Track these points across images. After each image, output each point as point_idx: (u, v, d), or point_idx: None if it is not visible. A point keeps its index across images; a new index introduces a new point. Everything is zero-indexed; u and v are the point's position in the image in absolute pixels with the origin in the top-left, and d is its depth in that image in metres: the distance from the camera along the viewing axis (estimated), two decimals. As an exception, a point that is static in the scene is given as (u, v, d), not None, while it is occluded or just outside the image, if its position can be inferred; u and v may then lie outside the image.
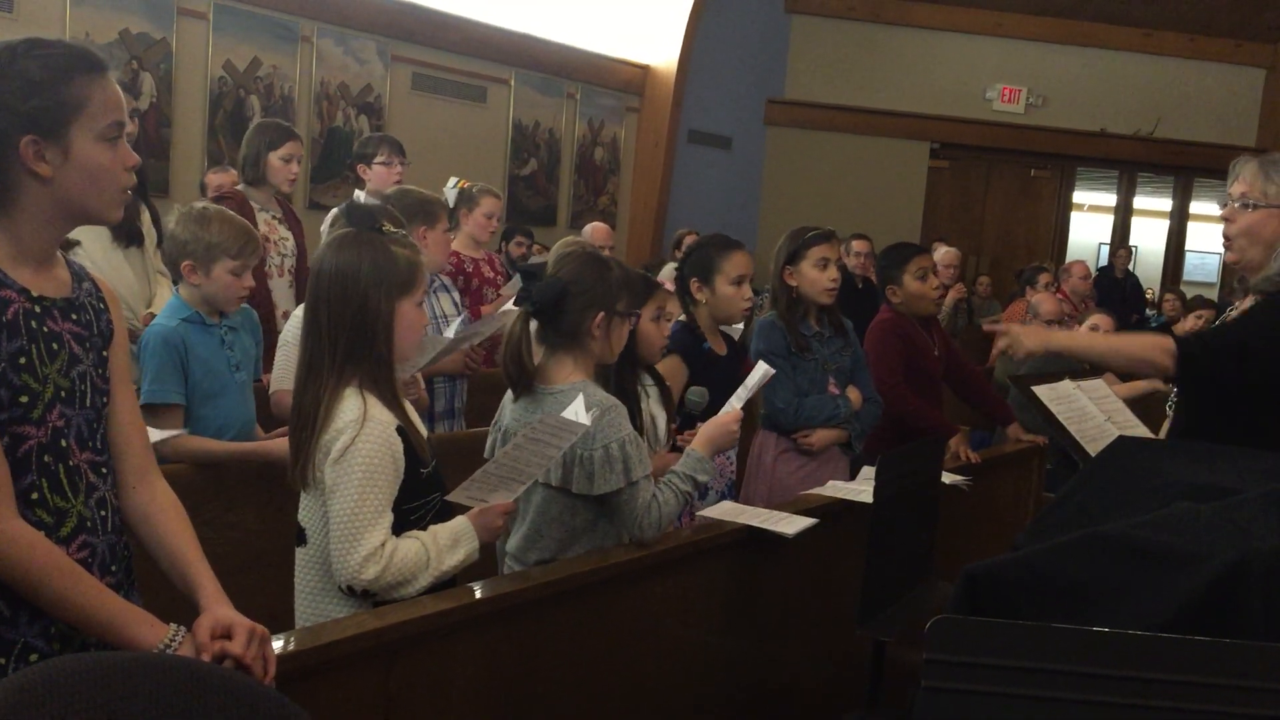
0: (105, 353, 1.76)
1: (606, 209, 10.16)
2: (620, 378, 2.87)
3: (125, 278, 3.77)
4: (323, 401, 2.12)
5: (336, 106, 7.76)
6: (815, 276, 3.59)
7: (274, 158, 4.28)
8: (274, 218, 4.30)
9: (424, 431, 2.30)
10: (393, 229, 2.26)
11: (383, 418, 2.13)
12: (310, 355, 2.18)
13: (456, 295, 4.19)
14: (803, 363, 3.61)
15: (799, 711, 3.12)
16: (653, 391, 3.07)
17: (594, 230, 7.16)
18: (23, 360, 1.60)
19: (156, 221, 3.99)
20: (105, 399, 1.76)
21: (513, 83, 9.11)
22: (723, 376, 3.37)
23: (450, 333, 3.42)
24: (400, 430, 2.16)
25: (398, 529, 2.14)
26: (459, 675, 2.15)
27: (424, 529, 2.19)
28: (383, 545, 2.08)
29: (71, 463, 1.67)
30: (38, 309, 1.64)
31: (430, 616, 2.06)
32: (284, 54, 7.35)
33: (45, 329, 1.64)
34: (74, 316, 1.70)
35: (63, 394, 1.66)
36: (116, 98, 1.69)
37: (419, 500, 2.20)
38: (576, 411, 2.29)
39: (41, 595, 1.58)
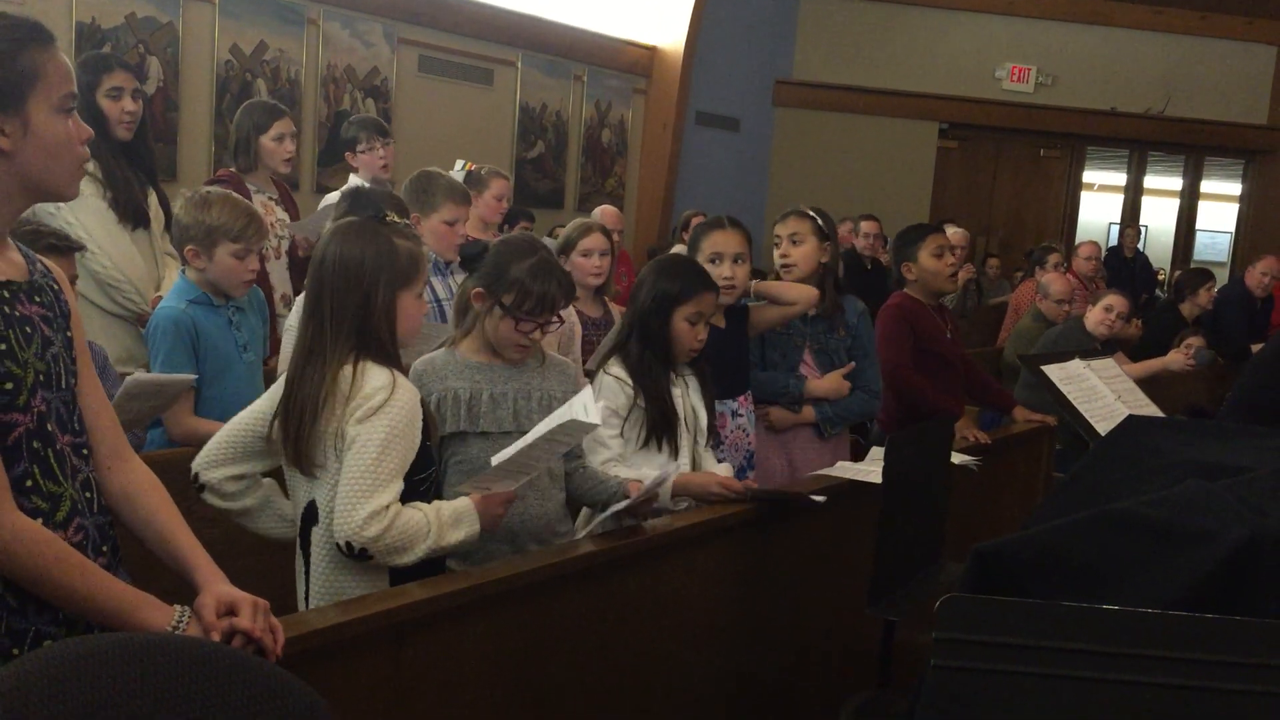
0: (69, 333, 1.74)
1: (614, 191, 10.14)
2: (649, 372, 2.88)
3: (133, 260, 3.76)
4: (325, 383, 2.15)
5: (343, 90, 7.74)
6: (774, 254, 3.75)
7: (265, 140, 4.17)
8: (270, 199, 4.26)
9: None
10: (396, 218, 2.28)
11: (410, 388, 2.21)
12: (310, 341, 2.21)
13: None
14: (775, 337, 3.67)
15: (809, 691, 3.13)
16: (692, 383, 3.06)
17: (603, 213, 7.14)
18: (3, 346, 1.58)
19: (164, 204, 3.97)
20: (75, 380, 1.74)
21: (519, 65, 9.08)
22: (719, 350, 3.36)
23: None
24: (421, 403, 2.25)
25: (404, 498, 2.18)
26: (469, 656, 2.15)
27: (417, 500, 2.25)
28: (388, 507, 2.11)
29: (58, 446, 1.66)
30: (6, 294, 1.62)
31: (440, 597, 2.07)
32: (290, 37, 7.34)
33: (18, 313, 1.62)
34: (37, 299, 1.68)
35: (42, 378, 1.64)
36: (67, 69, 1.66)
37: (423, 473, 2.27)
38: (586, 407, 2.30)
39: (48, 587, 1.57)
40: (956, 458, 3.35)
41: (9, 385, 1.58)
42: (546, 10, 9.18)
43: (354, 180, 4.50)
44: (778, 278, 3.75)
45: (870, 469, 3.18)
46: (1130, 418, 2.27)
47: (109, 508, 1.79)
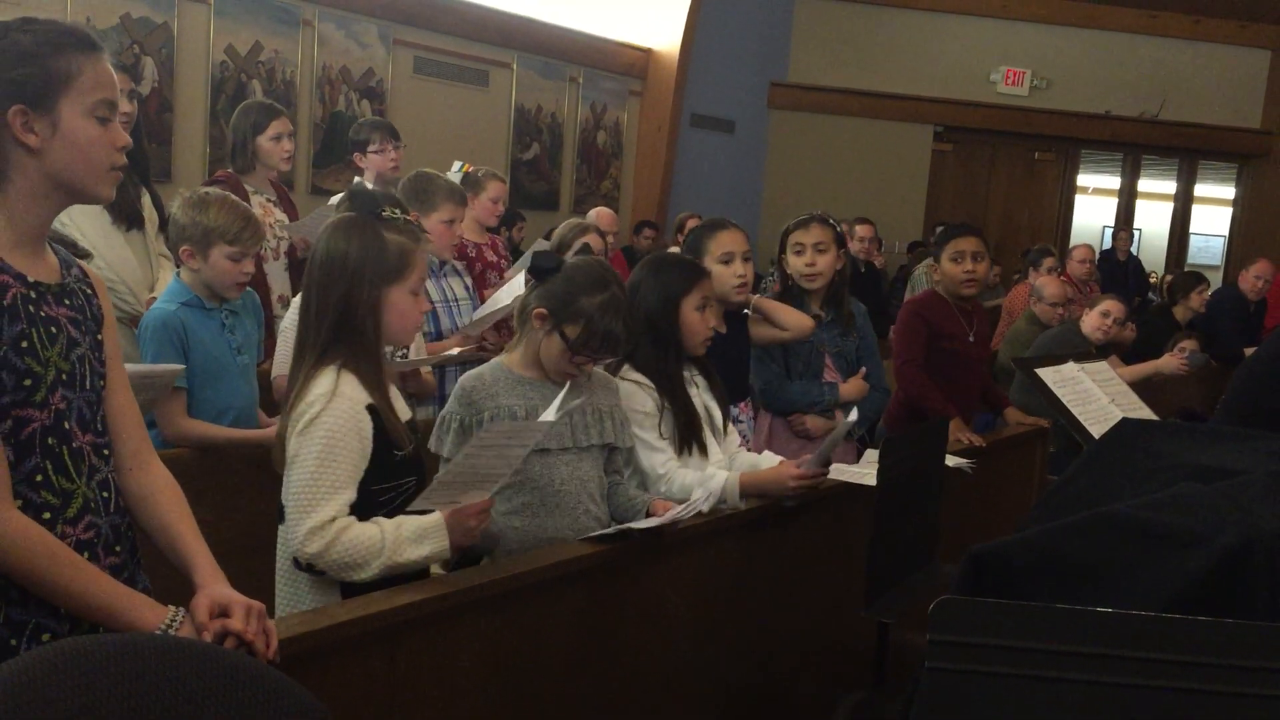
0: (100, 337, 1.78)
1: (609, 193, 10.14)
2: (666, 368, 2.87)
3: (127, 261, 3.75)
4: (298, 381, 2.15)
5: (338, 91, 7.74)
6: (792, 262, 3.75)
7: (262, 140, 4.18)
8: (268, 200, 4.26)
9: (406, 415, 2.29)
10: (394, 214, 2.25)
11: (354, 395, 2.12)
12: (300, 339, 2.21)
13: (469, 280, 4.19)
14: (796, 346, 3.68)
15: (803, 693, 3.13)
16: (700, 382, 3.05)
17: (598, 215, 7.14)
18: (24, 344, 1.62)
19: (158, 205, 3.97)
20: (103, 382, 1.77)
21: (515, 66, 9.09)
22: (721, 355, 3.37)
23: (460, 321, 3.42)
24: (372, 410, 2.14)
25: (366, 510, 2.12)
26: (464, 658, 2.15)
27: (394, 512, 2.16)
28: (332, 521, 2.05)
29: (75, 445, 1.69)
30: (34, 294, 1.66)
31: (436, 599, 2.06)
32: (285, 38, 7.34)
33: (43, 313, 1.66)
34: (67, 301, 1.72)
35: (64, 377, 1.67)
36: (109, 77, 1.70)
37: (390, 482, 2.19)
38: (551, 406, 2.28)
39: (42, 585, 1.59)
40: (951, 460, 3.36)
41: (27, 382, 1.62)
42: (542, 12, 9.19)
43: (359, 182, 4.49)
44: (789, 285, 3.76)
45: (864, 471, 3.18)
46: (1124, 421, 2.27)
47: (127, 509, 1.81)
